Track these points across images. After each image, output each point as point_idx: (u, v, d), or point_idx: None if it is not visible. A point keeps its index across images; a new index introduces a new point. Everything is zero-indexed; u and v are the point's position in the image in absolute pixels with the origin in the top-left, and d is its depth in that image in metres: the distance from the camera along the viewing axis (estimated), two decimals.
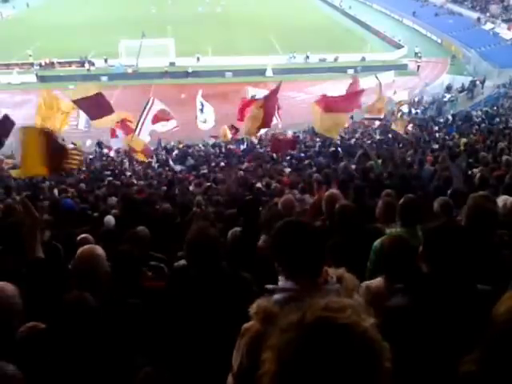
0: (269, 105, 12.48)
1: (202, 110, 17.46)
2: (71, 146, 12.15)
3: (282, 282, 2.15)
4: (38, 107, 12.87)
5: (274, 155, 16.56)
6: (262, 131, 16.57)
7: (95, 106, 13.11)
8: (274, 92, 12.95)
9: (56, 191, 11.51)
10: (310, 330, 1.11)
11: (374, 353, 1.11)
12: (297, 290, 2.04)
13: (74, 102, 13.22)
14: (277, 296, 2.06)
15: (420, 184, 7.92)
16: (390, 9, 62.94)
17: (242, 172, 13.21)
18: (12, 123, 10.61)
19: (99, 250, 3.06)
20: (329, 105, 11.49)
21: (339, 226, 4.18)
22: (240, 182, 11.28)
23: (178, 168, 17.99)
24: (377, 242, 3.68)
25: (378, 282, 3.11)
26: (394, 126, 20.14)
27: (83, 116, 16.88)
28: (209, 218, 6.32)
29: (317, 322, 1.12)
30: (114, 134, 17.78)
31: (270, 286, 2.15)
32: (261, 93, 17.09)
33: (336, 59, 43.35)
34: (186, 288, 2.98)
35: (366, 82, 22.88)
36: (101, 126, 15.23)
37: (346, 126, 21.11)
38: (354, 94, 12.48)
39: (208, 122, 18.37)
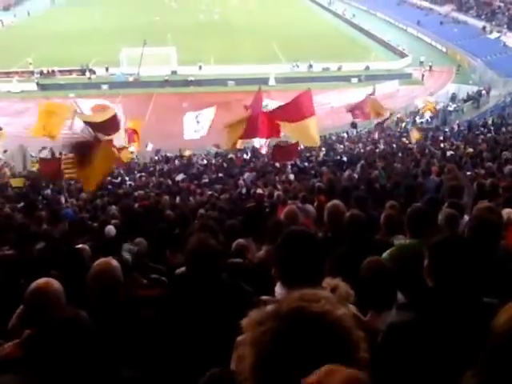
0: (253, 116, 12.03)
1: (198, 122, 17.01)
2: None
3: (278, 288, 2.12)
4: (39, 115, 13.03)
5: (277, 164, 16.50)
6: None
7: (105, 128, 13.07)
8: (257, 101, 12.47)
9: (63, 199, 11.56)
10: (285, 319, 1.16)
11: (346, 340, 1.16)
12: None
13: (85, 122, 13.28)
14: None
15: (422, 194, 7.83)
16: (395, 17, 63.11)
17: (242, 181, 13.15)
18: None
19: (114, 262, 3.10)
20: (289, 116, 11.07)
21: (348, 236, 4.09)
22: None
23: (179, 177, 17.96)
24: (385, 254, 3.68)
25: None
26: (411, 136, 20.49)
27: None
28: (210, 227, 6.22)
29: (291, 312, 1.17)
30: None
31: (264, 298, 2.12)
32: (274, 103, 16.83)
33: (340, 68, 43.46)
34: (185, 299, 2.96)
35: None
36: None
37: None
38: (303, 102, 11.92)
39: (201, 130, 17.66)
